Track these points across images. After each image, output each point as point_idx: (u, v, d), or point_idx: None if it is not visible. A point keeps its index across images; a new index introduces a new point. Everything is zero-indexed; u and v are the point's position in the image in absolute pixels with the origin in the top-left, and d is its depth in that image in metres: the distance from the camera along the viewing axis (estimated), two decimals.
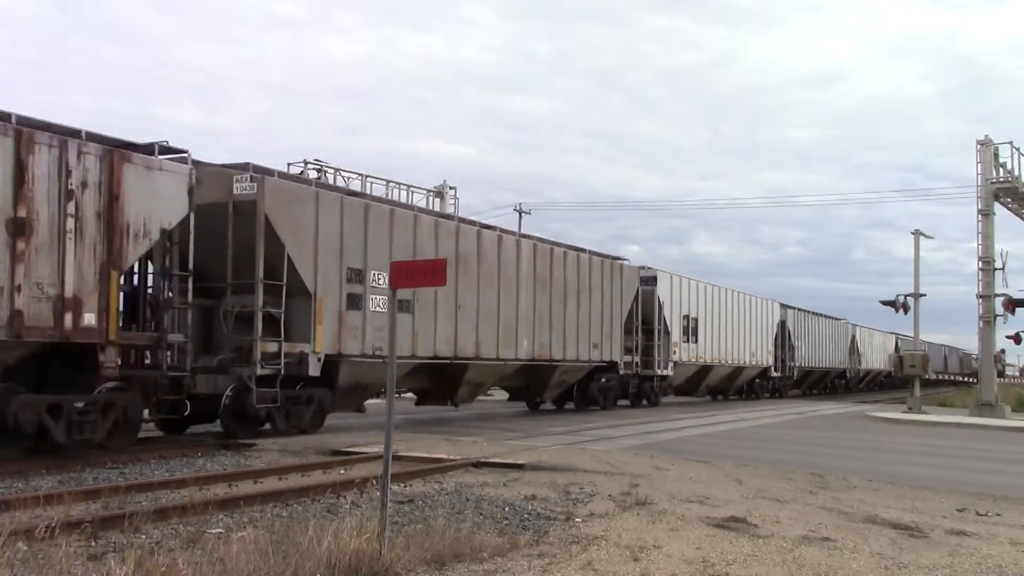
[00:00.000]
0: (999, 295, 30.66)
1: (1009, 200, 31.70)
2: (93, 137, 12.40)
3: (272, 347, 14.91)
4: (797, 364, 43.26)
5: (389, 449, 7.20)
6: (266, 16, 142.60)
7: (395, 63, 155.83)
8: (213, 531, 7.66)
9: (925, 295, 35.79)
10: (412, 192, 31.82)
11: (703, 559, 7.12)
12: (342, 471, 11.82)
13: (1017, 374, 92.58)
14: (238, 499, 9.04)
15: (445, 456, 12.84)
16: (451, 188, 33.57)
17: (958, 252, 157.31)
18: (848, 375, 54.03)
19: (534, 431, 18.55)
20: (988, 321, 30.74)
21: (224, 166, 15.45)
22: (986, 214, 30.53)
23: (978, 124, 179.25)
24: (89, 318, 12.03)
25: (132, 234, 12.65)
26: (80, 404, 12.21)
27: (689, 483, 11.40)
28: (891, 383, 61.70)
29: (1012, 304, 30.77)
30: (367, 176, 29.53)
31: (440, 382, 19.87)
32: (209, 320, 15.34)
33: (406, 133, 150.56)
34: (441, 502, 9.48)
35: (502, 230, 21.43)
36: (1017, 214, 32.91)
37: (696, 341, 31.79)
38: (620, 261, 26.89)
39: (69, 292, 11.75)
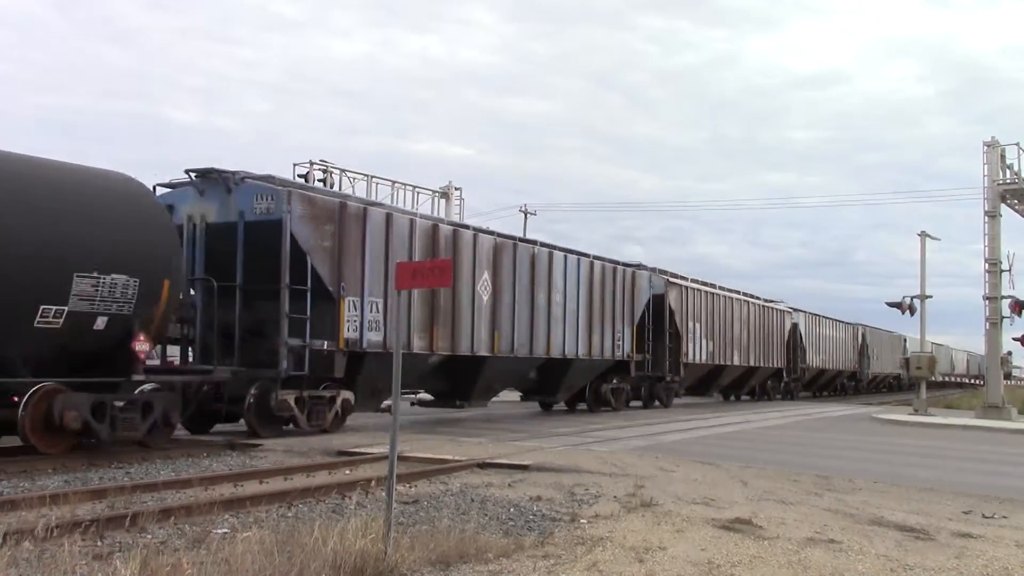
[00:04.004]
0: (1006, 297, 30.55)
1: (1016, 202, 31.59)
2: None
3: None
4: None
5: (394, 450, 7.20)
6: (265, 17, 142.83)
7: (394, 64, 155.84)
8: (218, 531, 7.67)
9: (931, 296, 35.69)
10: (417, 193, 31.85)
11: (708, 561, 7.10)
12: (347, 472, 11.83)
13: None
14: (243, 499, 9.05)
15: (450, 457, 12.84)
16: (456, 189, 33.61)
17: (961, 254, 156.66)
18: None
19: (539, 432, 18.54)
20: (995, 323, 30.65)
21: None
22: (992, 216, 30.42)
23: (977, 125, 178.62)
24: None
25: None
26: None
27: (694, 484, 11.38)
28: (899, 385, 61.82)
29: (1019, 306, 30.64)
30: (372, 177, 29.55)
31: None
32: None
33: (406, 133, 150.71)
34: (446, 503, 9.47)
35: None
36: None
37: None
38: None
39: None
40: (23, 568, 6.04)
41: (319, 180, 27.30)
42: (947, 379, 78.47)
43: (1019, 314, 30.78)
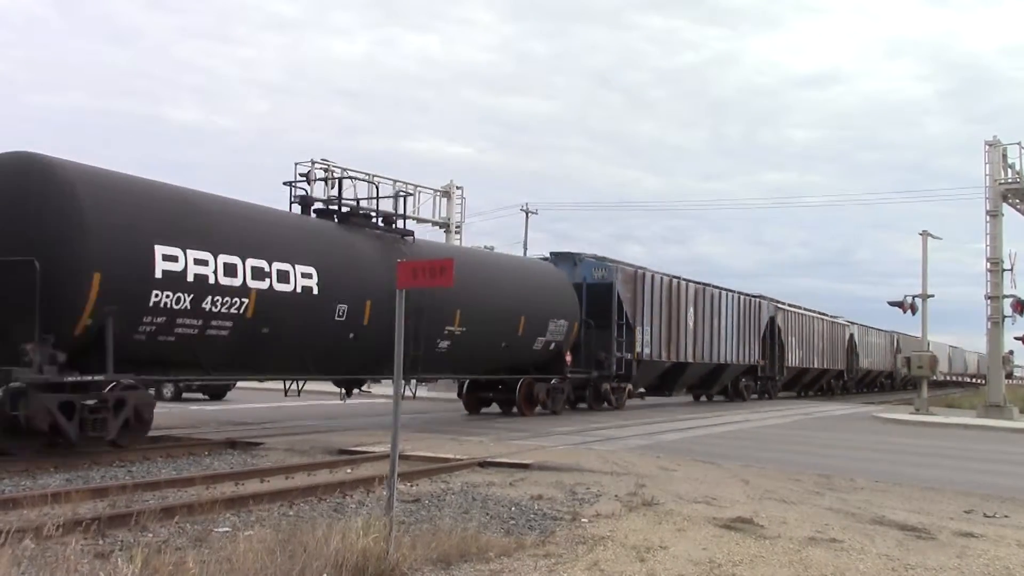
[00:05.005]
0: (1007, 296, 30.56)
1: (1017, 201, 31.55)
2: None
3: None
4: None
5: (396, 448, 7.21)
6: (264, 16, 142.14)
7: (394, 63, 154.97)
8: (220, 530, 7.68)
9: (933, 296, 35.63)
10: (420, 191, 31.87)
11: (709, 560, 7.11)
12: (348, 470, 11.84)
13: None
14: (245, 498, 9.05)
15: (451, 456, 12.85)
16: (458, 188, 33.63)
17: (961, 253, 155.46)
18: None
19: (540, 431, 18.55)
20: (996, 322, 30.66)
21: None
22: (994, 215, 30.43)
23: (977, 125, 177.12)
24: None
25: None
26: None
27: (695, 484, 11.39)
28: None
29: (1020, 305, 30.65)
30: (374, 176, 29.58)
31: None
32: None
33: (406, 133, 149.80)
34: (448, 502, 9.48)
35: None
36: None
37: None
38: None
39: None
40: (25, 566, 6.05)
41: (320, 179, 27.34)
42: (960, 379, 79.78)
43: (1020, 313, 30.79)
